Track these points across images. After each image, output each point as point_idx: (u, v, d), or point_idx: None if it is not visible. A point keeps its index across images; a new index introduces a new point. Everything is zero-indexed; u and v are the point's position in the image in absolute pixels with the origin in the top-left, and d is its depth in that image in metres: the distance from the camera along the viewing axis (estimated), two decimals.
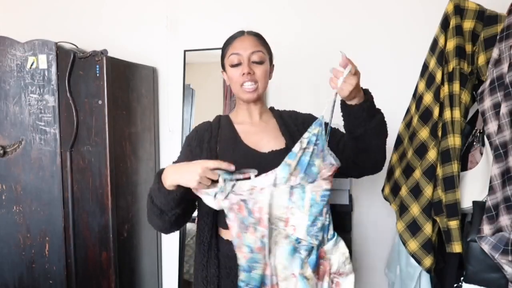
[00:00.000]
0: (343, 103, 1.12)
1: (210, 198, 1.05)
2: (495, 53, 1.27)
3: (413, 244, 1.44)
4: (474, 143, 1.43)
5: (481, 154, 1.38)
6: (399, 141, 1.60)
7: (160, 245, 2.21)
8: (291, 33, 1.95)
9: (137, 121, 1.98)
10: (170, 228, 1.17)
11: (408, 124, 1.56)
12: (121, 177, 1.84)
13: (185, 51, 2.10)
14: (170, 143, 2.16)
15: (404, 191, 1.50)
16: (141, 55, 2.11)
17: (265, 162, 1.16)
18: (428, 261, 1.40)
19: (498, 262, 1.19)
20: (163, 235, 2.20)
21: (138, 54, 2.11)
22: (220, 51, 1.30)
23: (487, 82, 1.28)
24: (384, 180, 1.68)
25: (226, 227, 1.16)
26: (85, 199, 1.78)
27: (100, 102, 1.73)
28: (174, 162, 1.19)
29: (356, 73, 1.03)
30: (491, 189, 1.22)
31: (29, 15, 2.29)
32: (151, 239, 2.12)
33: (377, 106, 1.15)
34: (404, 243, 1.47)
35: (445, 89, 1.39)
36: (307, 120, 1.29)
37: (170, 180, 1.04)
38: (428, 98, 1.43)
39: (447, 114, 1.37)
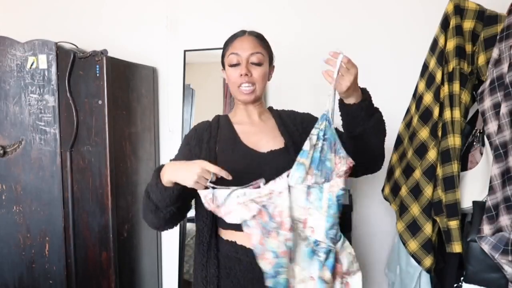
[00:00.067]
0: (341, 102, 1.12)
1: (208, 200, 1.04)
2: (495, 53, 1.27)
3: (413, 244, 1.44)
4: (474, 143, 1.43)
5: (481, 154, 1.38)
6: (399, 141, 1.60)
7: (160, 245, 2.21)
8: (291, 33, 1.95)
9: (137, 121, 1.98)
10: (164, 225, 1.16)
11: (408, 124, 1.56)
12: (121, 177, 1.84)
13: (185, 51, 2.10)
14: (170, 143, 2.16)
15: (404, 191, 1.50)
16: (141, 55, 2.11)
17: (264, 162, 1.16)
18: (428, 261, 1.41)
19: (498, 262, 1.19)
20: (163, 235, 2.20)
21: (138, 54, 2.11)
22: (220, 51, 1.30)
23: (487, 82, 1.28)
24: (384, 180, 1.68)
25: (226, 227, 1.16)
26: (85, 199, 1.78)
27: (100, 102, 1.73)
28: (171, 160, 1.19)
29: (353, 68, 1.03)
30: (491, 189, 1.22)
31: (29, 15, 2.29)
32: (151, 239, 2.12)
33: (375, 105, 1.15)
34: (404, 243, 1.47)
35: (445, 89, 1.39)
36: (305, 119, 1.29)
37: (168, 177, 1.04)
38: (428, 98, 1.43)
39: (447, 114, 1.37)
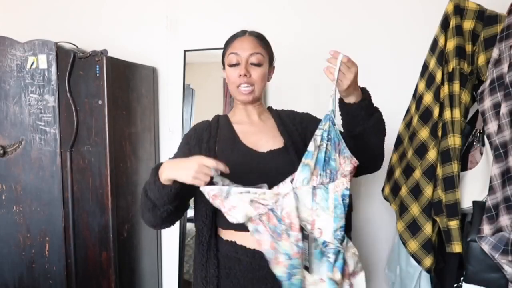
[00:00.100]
0: (341, 101, 1.12)
1: (211, 195, 1.04)
2: (495, 53, 1.27)
3: (413, 244, 1.44)
4: (474, 143, 1.43)
5: (481, 154, 1.38)
6: (399, 141, 1.60)
7: (160, 245, 2.21)
8: (291, 33, 1.95)
9: (137, 121, 1.98)
10: (161, 224, 1.15)
11: (408, 124, 1.56)
12: (121, 177, 1.84)
13: (185, 51, 2.10)
14: (170, 143, 2.16)
15: (404, 191, 1.50)
16: (141, 55, 2.11)
17: (264, 162, 1.16)
18: (428, 261, 1.41)
19: (498, 262, 1.19)
20: (163, 235, 2.20)
21: (138, 54, 2.11)
22: (220, 51, 1.30)
23: (487, 82, 1.28)
24: (384, 180, 1.68)
25: (226, 227, 1.16)
26: (85, 199, 1.78)
27: (100, 102, 1.73)
28: (170, 159, 1.19)
29: (353, 66, 1.04)
30: (491, 189, 1.22)
31: (29, 15, 2.29)
32: (151, 239, 2.12)
33: (375, 105, 1.15)
34: (404, 243, 1.47)
35: (445, 89, 1.39)
36: (305, 119, 1.29)
37: (166, 175, 1.03)
38: (428, 98, 1.43)
39: (447, 114, 1.37)
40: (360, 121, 1.11)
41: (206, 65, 2.15)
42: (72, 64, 1.73)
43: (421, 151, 1.44)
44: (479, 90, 1.31)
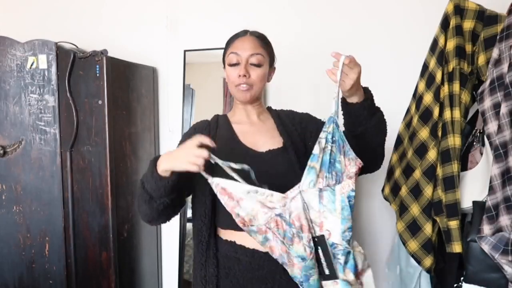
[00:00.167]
0: (343, 101, 1.12)
1: (219, 189, 1.03)
2: (495, 53, 1.27)
3: (413, 244, 1.44)
4: (474, 143, 1.43)
5: (481, 154, 1.38)
6: (399, 141, 1.60)
7: (160, 245, 2.21)
8: (291, 33, 1.95)
9: (137, 121, 1.98)
10: (158, 218, 1.14)
11: (408, 124, 1.56)
12: (121, 177, 1.84)
13: (185, 51, 2.10)
14: (170, 143, 2.16)
15: (404, 191, 1.50)
16: (141, 55, 2.11)
17: (263, 162, 1.16)
18: (428, 261, 1.41)
19: (498, 262, 1.19)
20: (163, 235, 2.20)
21: (138, 54, 2.11)
22: (220, 51, 1.30)
23: (487, 82, 1.28)
24: (384, 180, 1.68)
25: (225, 227, 1.16)
26: (85, 199, 1.78)
27: (100, 102, 1.73)
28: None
29: (356, 66, 1.04)
30: (491, 189, 1.22)
31: (29, 15, 2.29)
32: (151, 239, 2.12)
33: (376, 105, 1.15)
34: (404, 243, 1.47)
35: (445, 89, 1.39)
36: (304, 119, 1.29)
37: (163, 166, 1.03)
38: (428, 98, 1.43)
39: (447, 114, 1.37)
40: (363, 121, 1.11)
41: (206, 65, 2.15)
42: (72, 64, 1.73)
43: (421, 151, 1.44)
44: (479, 90, 1.31)
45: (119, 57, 1.86)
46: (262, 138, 1.23)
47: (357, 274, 1.10)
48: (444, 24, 1.40)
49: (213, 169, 1.08)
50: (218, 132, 1.25)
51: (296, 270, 1.05)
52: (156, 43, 2.15)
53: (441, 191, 1.37)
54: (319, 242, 1.05)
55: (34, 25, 2.24)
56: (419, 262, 1.43)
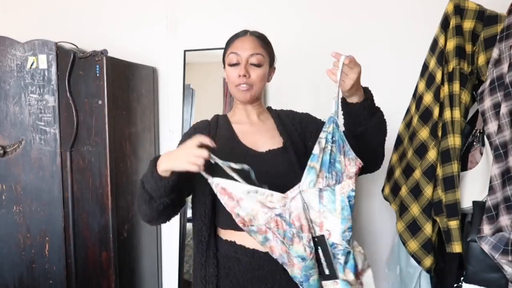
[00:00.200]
0: (343, 101, 1.12)
1: (219, 189, 1.03)
2: (495, 53, 1.27)
3: (413, 244, 1.44)
4: (474, 143, 1.43)
5: (481, 154, 1.38)
6: (399, 141, 1.60)
7: (160, 245, 2.21)
8: (291, 33, 1.95)
9: (137, 121, 1.98)
10: (157, 218, 1.14)
11: (408, 124, 1.56)
12: (121, 177, 1.84)
13: (185, 51, 2.10)
14: (170, 143, 2.16)
15: (404, 191, 1.50)
16: (141, 55, 2.11)
17: (263, 162, 1.16)
18: (428, 261, 1.41)
19: (498, 262, 1.19)
20: (163, 235, 2.20)
21: (138, 54, 2.11)
22: (220, 51, 1.30)
23: (487, 82, 1.28)
24: (384, 180, 1.68)
25: (225, 227, 1.16)
26: (85, 199, 1.78)
27: (100, 102, 1.73)
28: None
29: (356, 66, 1.04)
30: (491, 189, 1.22)
31: (29, 15, 2.29)
32: (151, 239, 2.12)
33: (376, 105, 1.15)
34: (404, 243, 1.47)
35: (445, 89, 1.39)
36: (304, 119, 1.29)
37: (163, 166, 1.03)
38: (428, 98, 1.43)
39: (447, 114, 1.37)
40: (363, 121, 1.11)
41: (206, 65, 2.15)
42: (72, 64, 1.73)
43: (421, 151, 1.44)
44: (479, 90, 1.31)
45: (119, 57, 1.86)
46: (262, 138, 1.23)
47: (357, 274, 1.10)
48: (444, 24, 1.40)
49: (213, 169, 1.08)
50: (218, 132, 1.25)
51: (296, 270, 1.05)
52: (156, 43, 2.15)
53: (441, 191, 1.37)
54: (319, 242, 1.05)
55: (34, 25, 2.24)
56: (419, 262, 1.43)
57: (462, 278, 1.36)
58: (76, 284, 1.81)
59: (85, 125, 1.75)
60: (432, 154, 1.40)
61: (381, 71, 1.85)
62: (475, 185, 1.36)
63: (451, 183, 1.34)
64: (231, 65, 1.22)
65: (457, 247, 1.33)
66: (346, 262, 1.06)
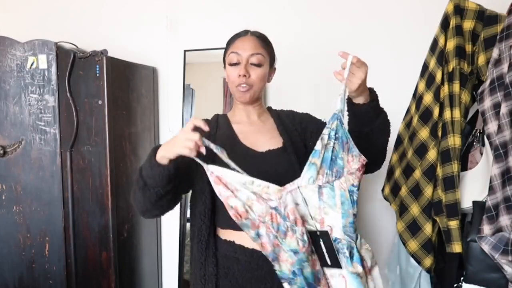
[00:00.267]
0: (350, 102, 1.13)
1: (214, 177, 1.03)
2: (495, 53, 1.27)
3: (413, 244, 1.44)
4: (474, 143, 1.43)
5: (481, 154, 1.38)
6: (399, 141, 1.60)
7: (160, 245, 2.21)
8: (291, 33, 1.95)
9: (137, 121, 1.98)
10: (151, 208, 1.13)
11: (408, 124, 1.56)
12: (121, 177, 1.84)
13: (185, 51, 2.10)
14: None
15: (404, 191, 1.50)
16: (141, 55, 2.11)
17: (262, 162, 1.16)
18: (428, 261, 1.41)
19: (498, 262, 1.19)
20: (163, 235, 2.20)
21: (138, 54, 2.11)
22: (220, 51, 1.30)
23: (487, 82, 1.28)
24: (384, 180, 1.68)
25: (225, 226, 1.16)
26: (85, 199, 1.78)
27: (100, 102, 1.73)
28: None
29: (363, 66, 1.05)
30: (491, 189, 1.22)
31: (29, 15, 2.29)
32: (151, 239, 2.12)
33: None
34: (404, 243, 1.47)
35: (445, 89, 1.39)
36: (304, 119, 1.29)
37: (159, 154, 1.03)
38: (428, 98, 1.43)
39: (447, 114, 1.37)
40: (368, 121, 1.12)
41: (206, 65, 2.15)
42: (72, 64, 1.73)
43: (421, 151, 1.44)
44: (479, 90, 1.31)
45: (119, 57, 1.86)
46: (262, 138, 1.23)
47: (365, 270, 1.10)
48: (444, 24, 1.40)
49: (214, 161, 1.07)
50: (218, 132, 1.25)
51: (285, 266, 1.03)
52: (156, 43, 2.15)
53: (441, 191, 1.37)
54: (321, 236, 1.05)
55: (34, 25, 2.24)
56: (419, 262, 1.43)
57: (462, 278, 1.36)
58: (76, 284, 1.81)
59: (85, 125, 1.75)
60: (432, 154, 1.40)
61: (381, 71, 1.84)
62: (475, 185, 1.36)
63: (451, 183, 1.34)
64: (231, 64, 1.22)
65: (457, 247, 1.33)
66: (351, 257, 1.06)
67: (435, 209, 1.40)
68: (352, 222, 1.06)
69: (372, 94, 1.12)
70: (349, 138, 1.07)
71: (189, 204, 1.26)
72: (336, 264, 1.06)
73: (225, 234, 1.16)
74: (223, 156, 1.05)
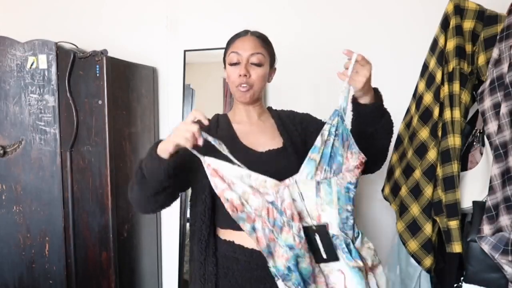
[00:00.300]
0: (355, 102, 1.13)
1: (211, 169, 1.03)
2: (495, 53, 1.27)
3: (413, 244, 1.44)
4: (474, 143, 1.43)
5: (481, 154, 1.38)
6: (399, 141, 1.60)
7: (160, 245, 2.21)
8: (291, 33, 1.95)
9: (137, 121, 1.98)
10: (147, 203, 1.13)
11: (408, 124, 1.56)
12: (121, 177, 1.84)
13: (185, 51, 2.10)
14: None
15: (404, 191, 1.50)
16: (141, 55, 2.11)
17: (262, 161, 1.16)
18: (428, 261, 1.41)
19: (498, 262, 1.19)
20: (163, 235, 2.20)
21: (138, 54, 2.11)
22: (220, 51, 1.30)
23: (487, 82, 1.28)
24: (384, 180, 1.68)
25: (224, 226, 1.16)
26: (85, 199, 1.78)
27: (100, 102, 1.73)
28: None
29: (368, 64, 1.06)
30: (491, 189, 1.22)
31: (29, 15, 2.29)
32: (151, 239, 2.12)
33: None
34: (404, 243, 1.47)
35: (445, 89, 1.39)
36: (305, 119, 1.29)
37: (162, 146, 1.03)
38: (428, 98, 1.43)
39: (447, 114, 1.37)
40: (373, 122, 1.12)
41: (206, 65, 2.15)
42: (72, 64, 1.73)
43: (421, 151, 1.44)
44: (479, 90, 1.31)
45: (119, 57, 1.86)
46: (262, 138, 1.23)
47: (366, 267, 1.10)
48: (444, 24, 1.40)
49: (215, 156, 1.07)
50: (218, 132, 1.25)
51: (280, 262, 1.03)
52: (156, 43, 2.15)
53: (441, 191, 1.37)
54: (317, 231, 1.05)
55: (34, 25, 2.24)
56: (419, 262, 1.43)
57: (462, 278, 1.36)
58: (76, 284, 1.81)
59: (85, 125, 1.75)
60: (432, 154, 1.40)
61: (381, 71, 1.84)
62: (475, 185, 1.36)
63: (451, 183, 1.34)
64: (231, 64, 1.22)
65: (457, 247, 1.33)
66: (350, 252, 1.06)
67: (435, 209, 1.40)
68: (348, 218, 1.06)
69: (377, 95, 1.13)
70: (350, 135, 1.07)
71: (189, 204, 1.26)
72: (333, 257, 1.06)
73: (225, 234, 1.16)
74: (221, 148, 1.05)
